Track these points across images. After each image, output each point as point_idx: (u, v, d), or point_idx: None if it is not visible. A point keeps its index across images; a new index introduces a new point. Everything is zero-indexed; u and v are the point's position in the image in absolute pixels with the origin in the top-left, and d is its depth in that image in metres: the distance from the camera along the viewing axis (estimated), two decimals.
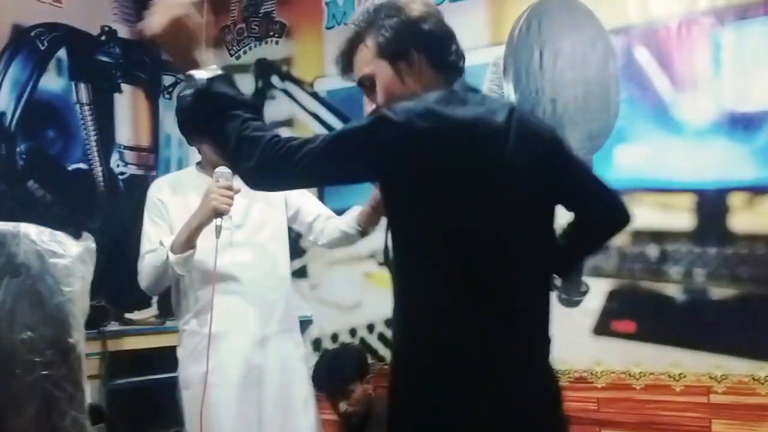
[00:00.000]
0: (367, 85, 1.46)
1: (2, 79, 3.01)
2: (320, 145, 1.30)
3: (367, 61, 1.44)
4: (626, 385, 2.72)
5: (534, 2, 3.00)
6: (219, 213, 2.06)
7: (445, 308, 1.31)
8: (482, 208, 1.34)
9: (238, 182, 2.13)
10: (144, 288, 2.23)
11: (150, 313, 3.30)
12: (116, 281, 3.17)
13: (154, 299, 3.34)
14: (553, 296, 2.81)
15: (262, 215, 2.27)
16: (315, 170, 1.32)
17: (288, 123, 3.59)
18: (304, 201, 2.38)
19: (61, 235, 1.43)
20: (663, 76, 2.77)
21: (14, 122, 3.03)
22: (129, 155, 3.47)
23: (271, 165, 1.30)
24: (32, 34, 3.13)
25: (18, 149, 3.03)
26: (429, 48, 1.45)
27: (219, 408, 2.11)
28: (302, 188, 1.44)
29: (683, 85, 2.73)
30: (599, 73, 2.86)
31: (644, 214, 2.73)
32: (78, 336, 1.42)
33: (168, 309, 3.35)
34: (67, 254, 1.41)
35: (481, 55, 3.09)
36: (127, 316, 3.16)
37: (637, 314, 2.75)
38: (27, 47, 3.11)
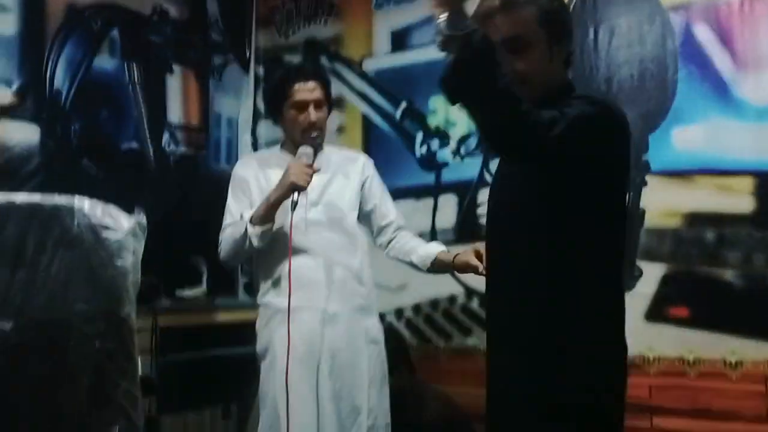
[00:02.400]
0: (515, 46, 1.47)
1: (57, 60, 3.05)
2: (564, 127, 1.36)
3: (526, 22, 1.47)
4: (680, 372, 2.66)
5: None
6: (296, 188, 2.13)
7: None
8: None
9: (317, 162, 2.24)
10: (223, 258, 2.36)
11: (200, 290, 3.35)
12: (167, 259, 3.23)
13: (205, 277, 3.39)
14: None
15: (338, 195, 2.34)
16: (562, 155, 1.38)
17: (336, 103, 3.57)
18: (384, 201, 2.45)
19: (113, 210, 1.45)
20: (724, 54, 2.67)
21: (69, 101, 3.08)
22: (180, 135, 3.49)
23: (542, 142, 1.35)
24: (86, 14, 3.17)
25: (72, 128, 3.08)
26: (573, 43, 1.59)
27: (282, 380, 2.15)
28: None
29: (745, 64, 2.63)
30: (656, 51, 2.77)
31: (702, 197, 2.67)
32: (130, 309, 1.43)
33: (217, 286, 3.41)
34: (120, 228, 1.42)
35: None
36: (178, 293, 3.21)
37: (692, 300, 2.67)
38: (81, 28, 3.15)
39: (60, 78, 3.06)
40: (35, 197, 1.40)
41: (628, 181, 1.61)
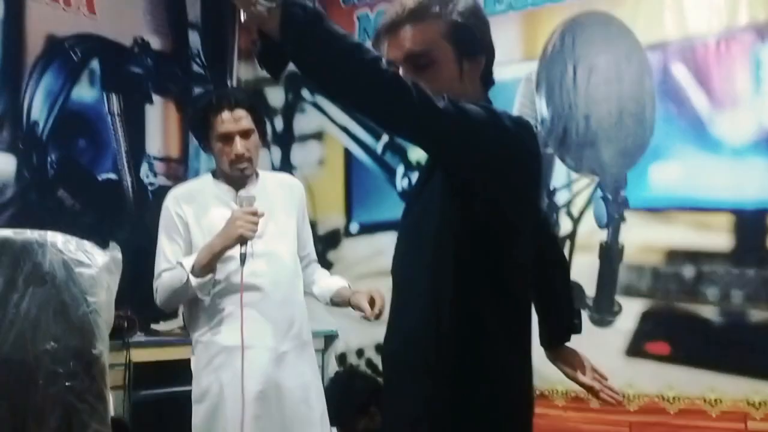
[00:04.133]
0: (420, 63, 1.32)
1: (35, 89, 3.03)
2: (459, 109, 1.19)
3: (431, 38, 1.31)
4: (660, 408, 2.65)
5: (568, 17, 2.96)
6: (244, 240, 2.04)
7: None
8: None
9: (258, 205, 2.12)
10: (160, 306, 2.21)
11: (176, 324, 3.29)
12: (143, 291, 3.17)
13: (181, 310, 3.33)
14: (585, 315, 2.78)
15: (282, 228, 2.23)
16: (458, 131, 1.21)
17: (317, 136, 3.58)
18: (305, 230, 2.35)
19: (87, 245, 1.42)
20: (701, 92, 2.71)
21: (46, 131, 3.05)
22: (159, 166, 3.47)
23: (428, 109, 1.16)
24: (66, 44, 3.15)
25: (49, 158, 3.05)
26: (489, 58, 1.40)
27: (235, 423, 2.06)
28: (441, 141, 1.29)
29: (722, 103, 2.67)
30: (634, 89, 2.81)
31: (680, 233, 2.68)
32: (102, 347, 1.39)
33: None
34: (94, 264, 1.39)
35: (514, 70, 3.06)
36: (153, 326, 3.16)
37: (671, 336, 2.68)
38: (60, 58, 3.13)
39: (38, 108, 3.03)
40: (6, 232, 1.36)
41: (531, 204, 1.37)
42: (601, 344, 2.73)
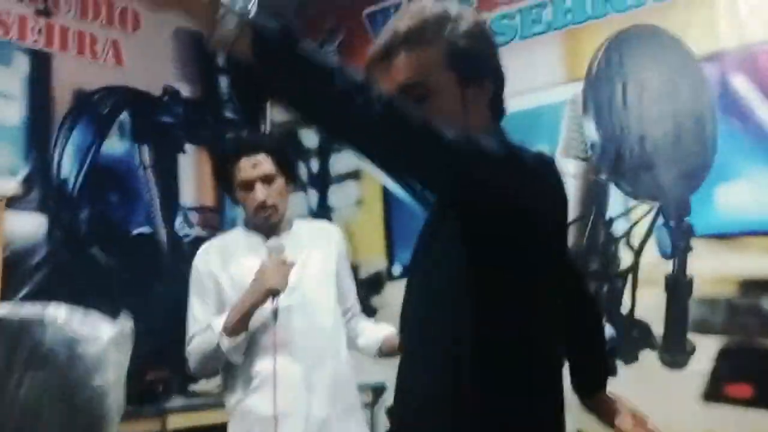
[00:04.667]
0: (417, 94, 1.16)
1: (65, 146, 2.97)
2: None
3: (428, 66, 1.16)
4: None
5: (613, 33, 2.76)
6: (275, 293, 1.89)
7: None
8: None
9: (291, 254, 1.97)
10: (194, 373, 2.06)
11: (215, 382, 3.15)
12: (180, 349, 3.05)
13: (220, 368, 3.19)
14: (654, 356, 2.54)
15: (317, 280, 2.05)
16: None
17: (354, 175, 3.44)
18: (345, 278, 2.18)
19: (93, 317, 1.28)
20: (765, 104, 2.47)
21: (76, 188, 2.98)
22: (193, 216, 3.37)
23: (432, 141, 1.01)
24: (94, 98, 3.10)
25: (80, 216, 2.97)
26: (498, 83, 1.22)
27: None
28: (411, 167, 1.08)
29: None
30: (692, 105, 2.59)
31: (754, 261, 2.43)
32: (109, 428, 1.24)
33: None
34: (99, 340, 1.25)
35: (557, 92, 2.88)
36: (192, 387, 3.02)
37: (753, 376, 2.41)
38: (89, 112, 3.08)
39: (67, 165, 2.96)
40: (2, 310, 1.23)
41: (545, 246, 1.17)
42: (674, 388, 2.50)
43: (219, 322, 1.95)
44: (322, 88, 0.98)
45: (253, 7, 1.00)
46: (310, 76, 0.98)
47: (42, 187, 2.87)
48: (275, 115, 3.72)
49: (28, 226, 2.82)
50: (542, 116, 2.90)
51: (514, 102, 3.07)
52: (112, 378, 1.26)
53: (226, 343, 1.93)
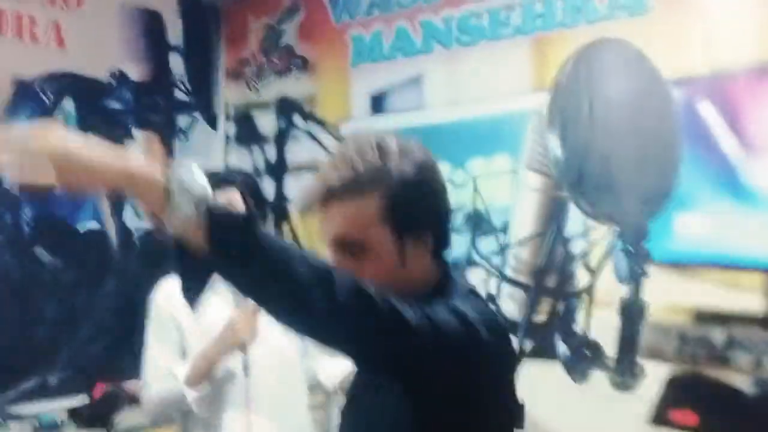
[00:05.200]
0: (352, 250, 1.12)
1: None
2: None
3: (362, 221, 1.11)
4: None
5: (582, 44, 2.66)
6: (244, 346, 1.84)
7: None
8: None
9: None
10: (149, 420, 2.01)
11: None
12: (133, 343, 3.00)
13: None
14: (605, 378, 2.57)
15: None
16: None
17: (312, 167, 3.33)
18: None
19: None
20: (731, 135, 2.43)
21: (18, 185, 2.83)
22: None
23: (397, 327, 0.99)
24: (35, 86, 2.91)
25: (23, 215, 2.84)
26: (441, 230, 1.19)
27: None
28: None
29: (754, 147, 2.39)
30: (658, 128, 2.53)
31: (708, 293, 2.44)
32: None
33: None
34: None
35: (523, 101, 2.79)
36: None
37: (699, 405, 2.46)
38: (30, 101, 2.89)
39: None
40: None
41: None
42: (623, 410, 2.55)
43: (182, 371, 1.89)
44: (284, 282, 0.95)
45: (207, 190, 0.94)
46: (271, 270, 0.95)
47: None
48: (229, 95, 3.56)
49: None
50: (506, 124, 2.82)
51: (479, 107, 3.00)
52: None
53: (191, 394, 1.88)
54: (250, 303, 1.84)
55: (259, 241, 0.94)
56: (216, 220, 0.93)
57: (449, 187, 2.74)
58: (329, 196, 1.11)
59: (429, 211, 1.17)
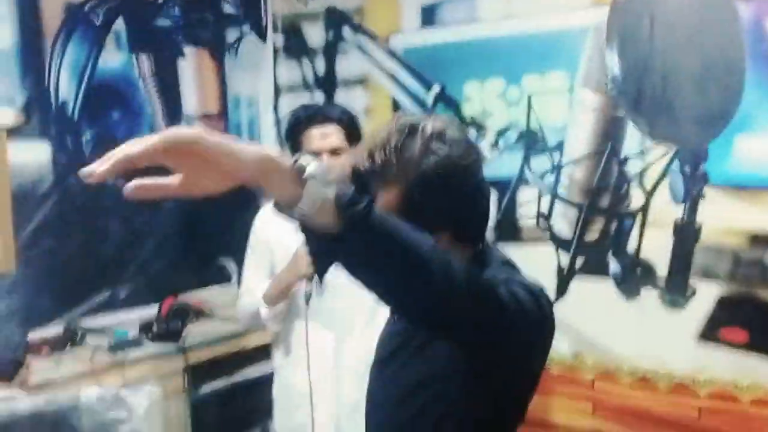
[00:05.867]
0: None
1: (60, 67, 2.82)
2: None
3: (386, 207, 1.13)
4: (732, 396, 2.53)
5: None
6: (309, 277, 1.97)
7: None
8: None
9: None
10: (241, 328, 2.33)
11: (230, 292, 3.27)
12: (194, 259, 3.15)
13: (234, 274, 3.30)
14: (656, 296, 2.62)
15: None
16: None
17: (361, 82, 3.31)
18: None
19: (123, 395, 1.32)
20: None
21: (77, 109, 2.88)
22: (198, 125, 3.29)
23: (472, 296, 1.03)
24: (86, 9, 2.90)
25: (83, 138, 2.90)
26: (461, 226, 1.21)
27: None
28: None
29: None
30: (721, 48, 2.44)
31: (765, 216, 2.43)
32: None
33: None
34: (132, 415, 1.30)
35: (581, 16, 2.70)
36: (207, 296, 3.14)
37: (749, 324, 2.50)
38: (82, 25, 2.89)
39: (65, 86, 2.85)
40: (38, 401, 1.27)
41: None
42: (672, 326, 2.61)
43: (262, 289, 2.11)
44: (409, 259, 0.95)
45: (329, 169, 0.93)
46: (397, 248, 0.95)
47: (42, 113, 2.77)
48: (276, 6, 3.50)
49: (32, 154, 2.76)
50: (563, 40, 2.75)
51: (534, 22, 2.92)
52: None
53: (264, 311, 2.09)
54: None
55: (383, 218, 0.95)
56: (348, 201, 0.92)
57: (503, 106, 2.69)
58: (356, 178, 1.16)
59: (447, 210, 1.17)
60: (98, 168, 0.87)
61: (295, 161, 0.91)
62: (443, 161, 1.15)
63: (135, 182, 0.87)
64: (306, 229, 0.93)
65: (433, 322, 1.04)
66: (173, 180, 0.89)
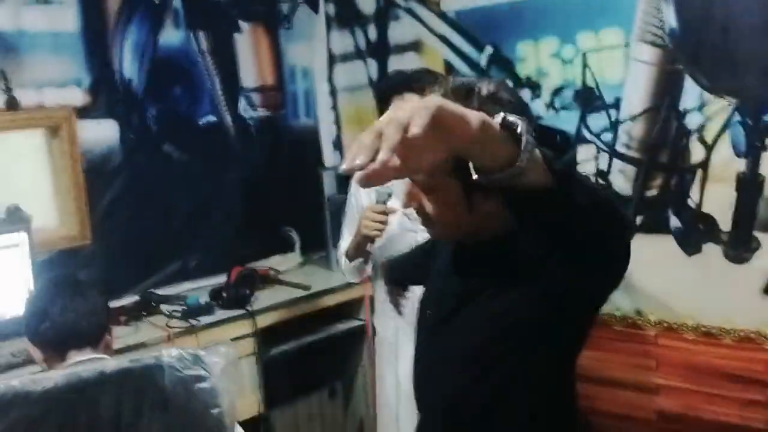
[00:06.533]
0: (424, 187, 1.22)
1: (123, 46, 2.93)
2: None
3: (434, 169, 1.09)
4: None
5: None
6: (369, 238, 2.07)
7: None
8: None
9: (395, 202, 2.09)
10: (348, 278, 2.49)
11: (294, 260, 3.37)
12: (258, 228, 3.25)
13: (297, 243, 3.39)
14: (718, 251, 2.59)
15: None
16: None
17: (414, 47, 3.33)
18: None
19: (201, 355, 1.40)
20: None
21: (141, 87, 2.99)
22: (256, 98, 3.36)
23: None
24: None
25: (148, 115, 3.01)
26: None
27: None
28: None
29: None
30: None
31: None
32: None
33: (311, 249, 3.40)
34: (211, 374, 1.39)
35: None
36: (272, 264, 3.24)
37: None
38: (141, 5, 2.98)
39: (129, 65, 2.95)
40: (123, 362, 1.37)
41: None
42: (736, 281, 2.58)
43: (345, 245, 2.35)
44: (601, 203, 1.02)
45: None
46: (594, 194, 1.02)
47: (108, 92, 2.89)
48: None
49: (101, 133, 2.89)
50: None
51: None
52: (227, 404, 1.41)
53: (343, 263, 2.34)
54: (385, 201, 2.05)
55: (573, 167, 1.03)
56: (551, 155, 0.95)
57: (558, 65, 2.66)
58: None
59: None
60: (360, 160, 0.79)
61: (503, 120, 0.91)
62: None
63: (365, 171, 0.80)
64: (511, 189, 0.94)
65: (619, 255, 1.10)
66: (395, 158, 0.81)
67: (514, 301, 1.23)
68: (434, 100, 0.84)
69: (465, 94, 1.18)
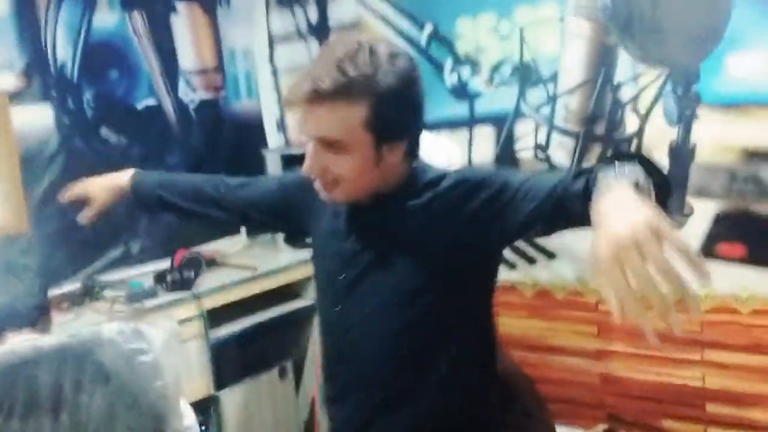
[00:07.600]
0: (333, 148, 1.24)
1: (55, 28, 2.85)
2: None
3: (347, 125, 1.21)
4: (732, 309, 2.61)
5: None
6: None
7: None
8: None
9: None
10: None
11: (240, 242, 3.35)
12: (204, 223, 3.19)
13: (243, 227, 3.37)
14: None
15: None
16: None
17: (354, 26, 3.33)
18: None
19: (143, 329, 1.40)
20: None
21: (76, 70, 2.92)
22: (196, 80, 3.32)
23: None
24: None
25: (84, 99, 2.95)
26: (415, 138, 1.32)
27: None
28: None
29: None
30: None
31: (759, 132, 2.47)
32: (177, 423, 1.42)
33: (258, 230, 3.38)
34: (152, 348, 1.38)
35: None
36: (218, 247, 3.21)
37: (747, 238, 2.56)
38: None
39: (62, 48, 2.88)
40: (61, 337, 1.35)
41: None
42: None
43: None
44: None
45: None
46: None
47: (42, 77, 2.82)
48: None
49: (36, 118, 2.81)
50: None
51: None
52: (169, 378, 1.41)
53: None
54: None
55: None
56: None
57: (496, 40, 2.73)
58: (319, 96, 1.19)
59: (408, 121, 1.27)
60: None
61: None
62: (402, 74, 1.22)
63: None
64: None
65: None
66: None
67: (424, 255, 1.29)
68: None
69: (370, 51, 1.21)
